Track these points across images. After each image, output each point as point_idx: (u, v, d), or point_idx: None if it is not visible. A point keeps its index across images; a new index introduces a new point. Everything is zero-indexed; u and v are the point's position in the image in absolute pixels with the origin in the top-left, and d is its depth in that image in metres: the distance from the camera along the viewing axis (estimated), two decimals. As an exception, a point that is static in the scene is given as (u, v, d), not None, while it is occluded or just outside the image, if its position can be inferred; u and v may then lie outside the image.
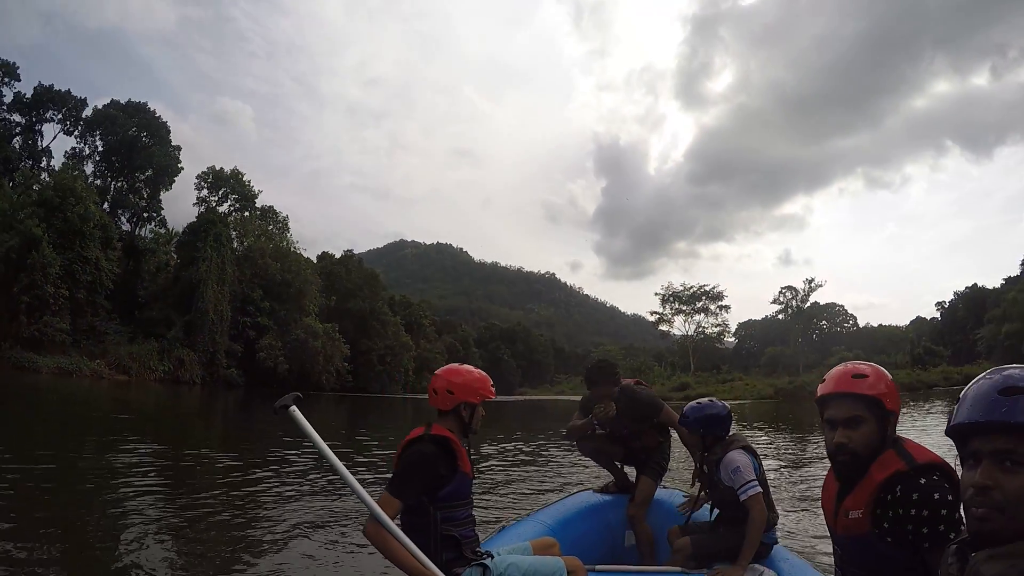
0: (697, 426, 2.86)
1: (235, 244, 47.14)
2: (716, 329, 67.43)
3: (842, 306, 79.48)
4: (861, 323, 78.50)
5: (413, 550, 2.01)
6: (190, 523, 5.01)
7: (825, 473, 1.81)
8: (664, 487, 3.69)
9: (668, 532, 3.05)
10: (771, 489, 2.87)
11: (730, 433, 2.87)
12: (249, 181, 53.61)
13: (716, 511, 2.88)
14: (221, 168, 53.04)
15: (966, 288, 73.85)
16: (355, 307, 57.29)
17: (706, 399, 2.95)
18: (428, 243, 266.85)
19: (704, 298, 66.17)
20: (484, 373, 2.38)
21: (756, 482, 2.63)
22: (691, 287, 66.56)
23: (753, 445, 2.86)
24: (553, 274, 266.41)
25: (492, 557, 2.27)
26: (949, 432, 1.01)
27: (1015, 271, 64.01)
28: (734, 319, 72.21)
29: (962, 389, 1.03)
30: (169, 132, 53.15)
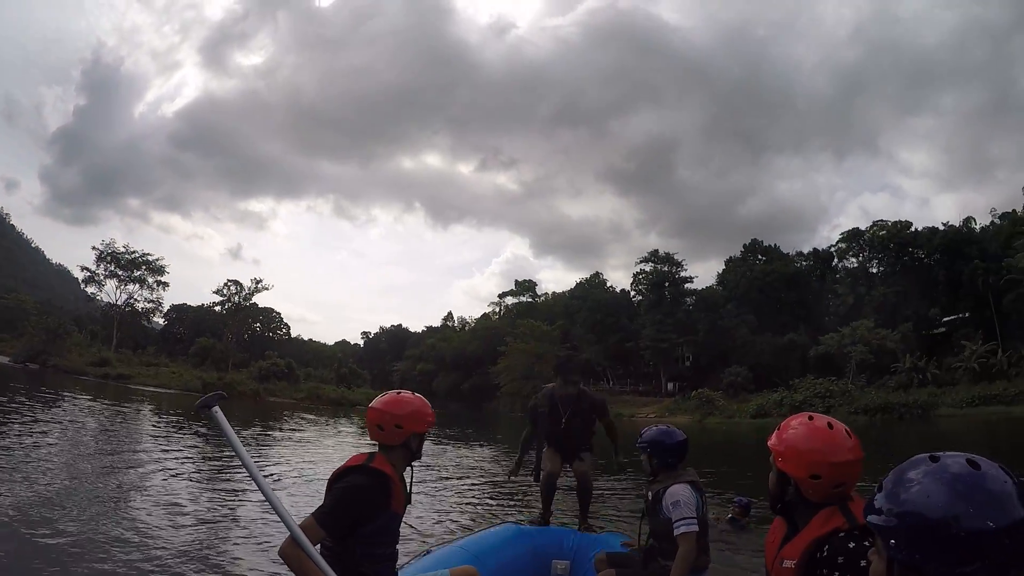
0: (647, 448, 2.78)
1: None
2: (149, 305, 61.43)
3: (279, 313, 76.52)
4: (294, 333, 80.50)
5: None
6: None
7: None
8: (601, 530, 3.65)
9: (595, 560, 2.95)
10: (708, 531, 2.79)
11: (682, 464, 2.77)
12: None
13: (651, 541, 2.83)
14: None
15: (392, 326, 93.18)
16: None
17: (665, 426, 2.87)
18: None
19: (144, 267, 58.99)
20: (422, 397, 2.29)
21: (694, 520, 2.59)
22: (134, 252, 58.84)
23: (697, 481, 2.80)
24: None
25: None
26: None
27: (436, 323, 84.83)
28: (168, 299, 64.98)
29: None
30: None
